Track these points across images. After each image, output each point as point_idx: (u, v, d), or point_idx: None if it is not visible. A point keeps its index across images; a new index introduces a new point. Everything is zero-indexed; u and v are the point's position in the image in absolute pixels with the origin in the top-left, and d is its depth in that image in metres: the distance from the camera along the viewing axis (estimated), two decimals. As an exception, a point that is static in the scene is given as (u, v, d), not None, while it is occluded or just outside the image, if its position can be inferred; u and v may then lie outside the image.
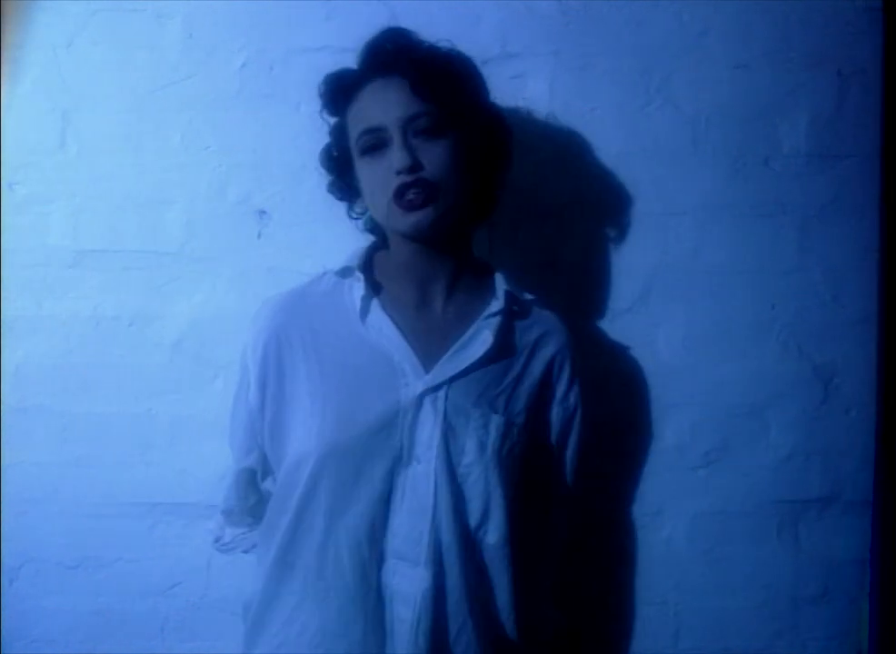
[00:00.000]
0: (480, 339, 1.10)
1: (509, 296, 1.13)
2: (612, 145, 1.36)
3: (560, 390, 1.17)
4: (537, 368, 1.14)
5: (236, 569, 1.34)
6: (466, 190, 1.09)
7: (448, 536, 1.06)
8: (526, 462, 1.12)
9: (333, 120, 1.16)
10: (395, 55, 1.08)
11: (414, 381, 1.07)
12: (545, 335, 1.16)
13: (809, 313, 1.38)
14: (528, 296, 1.17)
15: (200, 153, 1.36)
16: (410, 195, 1.03)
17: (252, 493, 1.23)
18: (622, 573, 1.40)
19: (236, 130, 1.36)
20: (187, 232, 1.37)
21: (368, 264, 1.15)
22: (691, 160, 1.36)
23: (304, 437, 1.09)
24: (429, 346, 1.09)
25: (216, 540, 1.29)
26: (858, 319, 1.38)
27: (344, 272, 1.14)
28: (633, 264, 1.37)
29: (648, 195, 1.36)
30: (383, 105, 1.05)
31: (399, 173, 1.02)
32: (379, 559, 1.07)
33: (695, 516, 1.39)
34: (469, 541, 1.08)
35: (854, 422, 1.39)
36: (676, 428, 1.38)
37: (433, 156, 1.04)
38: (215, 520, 1.28)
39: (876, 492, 1.38)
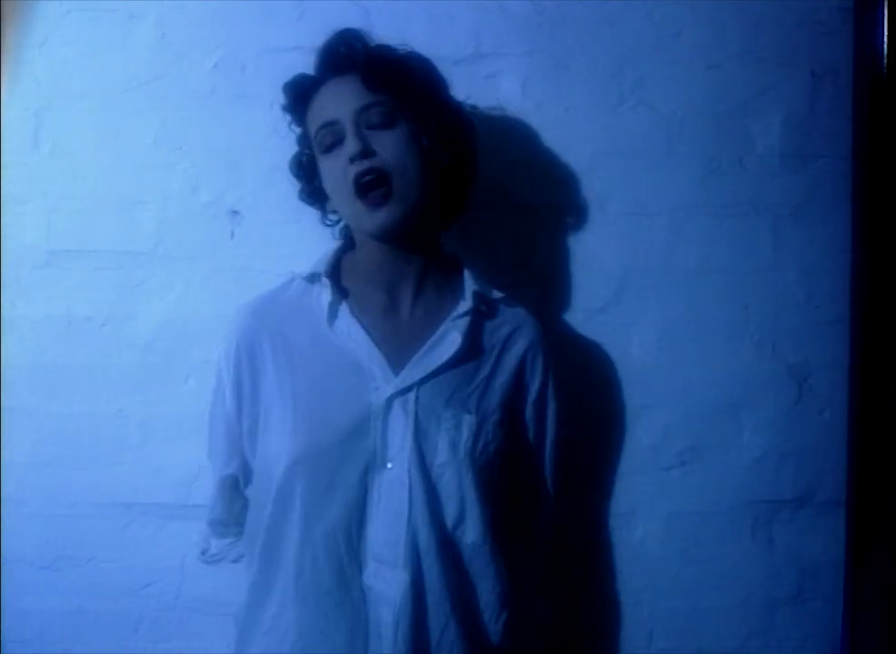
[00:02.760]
0: (448, 340, 1.10)
1: (477, 296, 1.14)
2: (585, 145, 1.36)
3: (534, 385, 1.18)
4: (509, 365, 1.15)
5: (211, 569, 1.33)
6: (427, 185, 1.10)
7: (425, 537, 1.06)
8: (504, 461, 1.13)
9: (299, 130, 1.17)
10: (348, 56, 1.10)
11: (384, 385, 1.07)
12: (516, 331, 1.17)
13: (782, 313, 1.38)
14: (497, 294, 1.18)
15: (173, 153, 1.36)
16: (370, 192, 1.04)
17: (237, 500, 1.23)
18: (596, 574, 1.40)
19: (209, 130, 1.36)
20: (160, 232, 1.37)
21: (336, 269, 1.16)
22: (664, 160, 1.36)
23: (277, 443, 1.09)
24: (398, 349, 1.10)
25: (203, 552, 1.29)
26: (832, 319, 1.38)
27: (312, 278, 1.15)
28: (607, 264, 1.37)
29: (622, 195, 1.36)
30: (336, 100, 1.08)
31: (352, 160, 1.04)
32: (359, 562, 1.07)
33: (669, 516, 1.39)
34: (447, 542, 1.08)
35: (828, 423, 1.39)
36: (649, 428, 1.38)
37: (385, 144, 1.06)
38: (200, 532, 1.28)
39: (850, 493, 1.38)
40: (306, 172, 1.17)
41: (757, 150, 1.36)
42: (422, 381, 1.08)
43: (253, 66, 1.35)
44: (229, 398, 1.16)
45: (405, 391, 1.08)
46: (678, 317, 1.38)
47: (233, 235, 1.37)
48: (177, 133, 1.36)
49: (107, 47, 1.36)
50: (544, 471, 1.22)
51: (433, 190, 1.12)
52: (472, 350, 1.12)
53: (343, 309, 1.11)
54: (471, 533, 1.09)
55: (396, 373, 1.08)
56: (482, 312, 1.15)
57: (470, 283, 1.15)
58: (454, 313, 1.12)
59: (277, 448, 1.09)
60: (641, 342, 1.38)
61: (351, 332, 1.10)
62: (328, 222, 1.23)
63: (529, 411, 1.19)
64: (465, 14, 1.35)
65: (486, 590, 1.11)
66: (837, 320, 1.38)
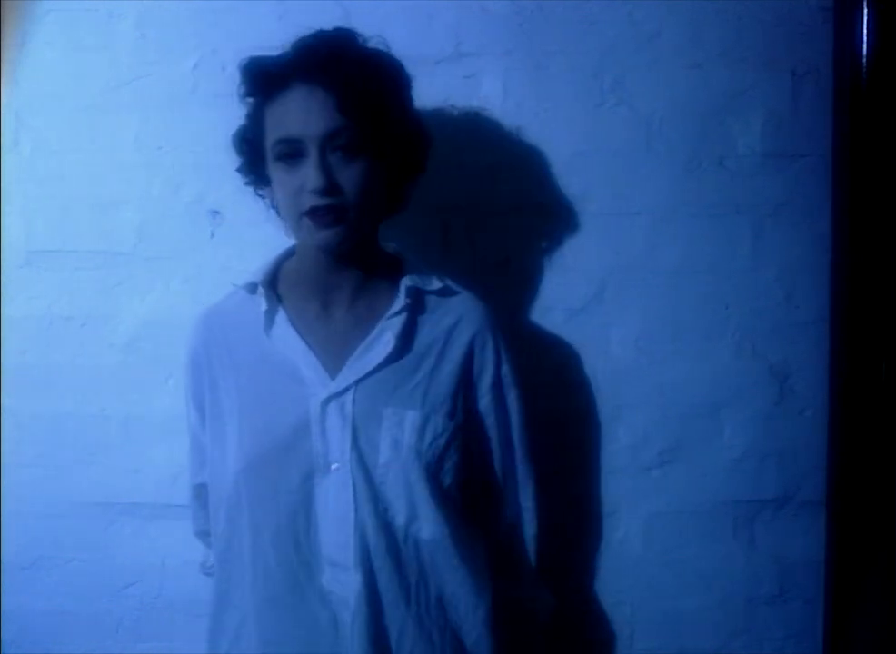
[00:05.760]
0: (382, 340, 1.10)
1: (412, 292, 1.12)
2: (565, 145, 1.35)
3: (487, 373, 1.15)
4: (456, 354, 1.13)
5: (191, 569, 1.33)
6: (378, 206, 1.09)
7: (374, 537, 1.06)
8: (465, 451, 1.12)
9: (249, 101, 1.11)
10: (325, 64, 1.03)
11: (320, 389, 1.07)
12: (461, 320, 1.14)
13: (763, 313, 1.38)
14: (437, 284, 1.15)
15: (153, 153, 1.36)
16: (321, 215, 1.02)
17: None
18: (577, 574, 1.40)
19: (189, 130, 1.36)
20: (140, 232, 1.37)
21: (273, 277, 1.15)
22: (644, 160, 1.36)
23: (228, 453, 1.10)
24: (335, 353, 1.09)
25: (202, 565, 1.29)
26: (812, 319, 1.38)
27: (249, 288, 1.14)
28: (587, 264, 1.37)
29: (602, 195, 1.36)
30: (303, 117, 1.01)
31: (309, 192, 1.01)
32: (312, 567, 1.07)
33: (650, 516, 1.39)
34: (399, 540, 1.07)
35: (809, 422, 1.39)
36: (630, 428, 1.38)
37: (350, 177, 1.02)
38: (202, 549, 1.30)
39: (831, 492, 1.38)
40: (250, 153, 1.11)
41: (737, 150, 1.36)
42: (357, 383, 1.08)
43: (233, 66, 1.29)
44: (192, 409, 1.19)
45: (340, 394, 1.07)
46: (658, 317, 1.38)
47: (213, 235, 1.37)
48: (158, 134, 1.36)
49: (88, 47, 1.35)
50: (514, 460, 1.20)
51: (383, 210, 1.11)
52: (410, 346, 1.11)
53: (280, 316, 1.11)
54: (427, 529, 1.08)
55: (333, 377, 1.08)
56: (419, 307, 1.13)
57: (405, 280, 1.13)
58: (389, 312, 1.11)
59: (225, 459, 1.11)
60: (621, 342, 1.38)
61: (287, 339, 1.10)
62: (261, 194, 1.17)
63: (486, 399, 1.16)
64: (445, 14, 1.35)
65: (456, 584, 1.10)
66: (818, 320, 1.37)
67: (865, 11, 1.30)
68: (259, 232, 1.35)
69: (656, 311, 1.37)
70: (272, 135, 1.05)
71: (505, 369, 1.17)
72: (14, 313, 1.38)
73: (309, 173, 1.01)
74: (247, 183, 1.17)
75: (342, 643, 1.07)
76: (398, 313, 1.11)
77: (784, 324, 1.38)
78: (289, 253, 1.18)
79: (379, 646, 1.06)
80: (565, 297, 1.37)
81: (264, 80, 1.06)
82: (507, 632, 1.16)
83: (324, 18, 1.26)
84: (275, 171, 1.06)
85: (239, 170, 1.16)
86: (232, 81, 1.32)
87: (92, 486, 1.39)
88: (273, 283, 1.14)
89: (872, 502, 1.34)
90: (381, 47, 1.11)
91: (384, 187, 1.09)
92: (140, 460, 1.38)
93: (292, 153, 1.02)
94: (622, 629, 1.41)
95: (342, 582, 1.06)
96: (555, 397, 1.36)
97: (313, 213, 1.02)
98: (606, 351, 1.37)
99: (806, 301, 1.37)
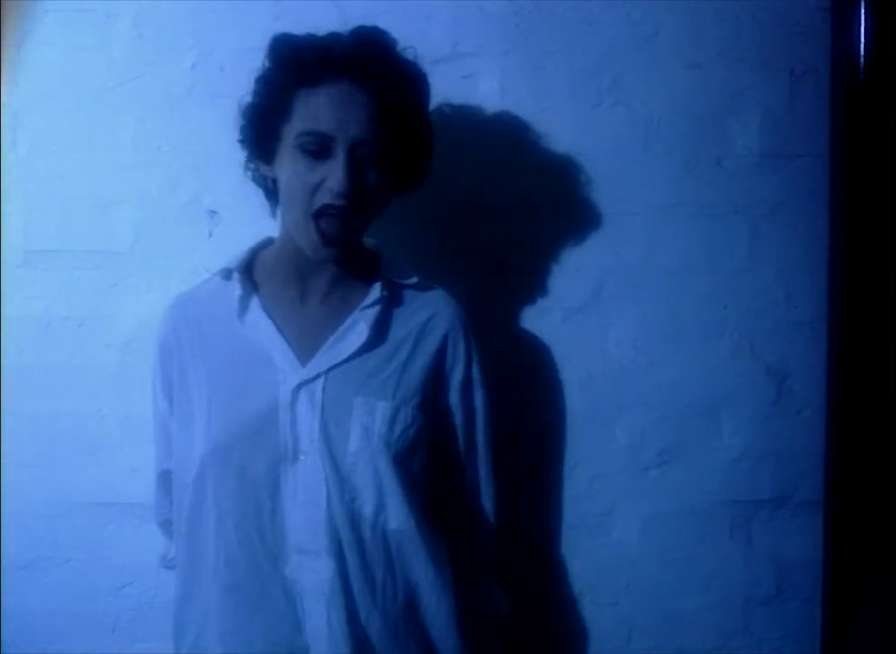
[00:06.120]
0: (356, 331, 1.10)
1: (387, 284, 1.13)
2: (563, 145, 1.36)
3: (457, 370, 1.16)
4: (428, 348, 1.14)
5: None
6: (376, 213, 1.11)
7: (344, 525, 1.06)
8: (431, 445, 1.13)
9: (269, 68, 1.09)
10: (369, 66, 1.04)
11: (290, 376, 1.08)
12: (435, 316, 1.16)
13: (761, 313, 1.38)
14: (413, 279, 1.16)
15: (151, 152, 1.36)
16: (329, 227, 1.03)
17: None
18: (575, 574, 1.40)
19: (187, 130, 1.36)
20: (138, 232, 1.37)
21: (249, 264, 1.16)
22: (642, 160, 1.36)
23: (196, 437, 1.10)
24: (308, 341, 1.10)
25: (162, 558, 1.29)
26: (810, 319, 1.38)
27: (224, 274, 1.14)
28: (585, 264, 1.37)
29: (599, 195, 1.36)
30: (341, 116, 1.02)
31: (331, 190, 1.02)
32: (276, 556, 1.07)
33: (647, 517, 1.39)
34: (367, 530, 1.07)
35: (806, 423, 1.39)
36: (628, 428, 1.38)
37: (370, 179, 1.04)
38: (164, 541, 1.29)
39: (828, 492, 1.38)
40: (263, 126, 1.08)
41: (735, 150, 1.36)
42: (328, 371, 1.08)
43: (230, 66, 1.35)
44: (160, 395, 1.18)
45: (311, 381, 1.08)
46: (656, 317, 1.38)
47: (210, 235, 1.37)
48: (155, 133, 1.36)
49: (85, 47, 1.35)
50: (476, 459, 1.20)
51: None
52: (383, 337, 1.12)
53: (255, 303, 1.12)
54: (393, 520, 1.08)
55: (304, 365, 1.09)
56: (394, 300, 1.15)
57: (382, 273, 1.14)
58: (363, 303, 1.12)
59: (192, 444, 1.10)
60: (619, 342, 1.38)
61: (260, 325, 1.10)
62: (252, 166, 1.15)
63: (455, 397, 1.17)
64: (443, 14, 1.35)
65: (422, 576, 1.10)
66: (815, 319, 1.38)
67: (863, 11, 1.31)
68: (256, 232, 1.34)
69: (654, 310, 1.38)
70: (299, 124, 1.04)
71: (475, 369, 1.18)
72: (12, 313, 1.37)
73: (334, 173, 1.02)
74: (247, 157, 1.16)
75: (307, 633, 1.07)
76: (373, 305, 1.12)
77: (782, 324, 1.38)
78: (266, 243, 1.19)
79: (355, 632, 1.06)
80: (563, 297, 1.37)
81: (302, 65, 1.05)
82: (473, 629, 1.16)
83: (321, 19, 1.26)
84: (294, 161, 1.04)
85: (241, 141, 1.14)
86: (229, 81, 1.35)
87: (90, 486, 1.39)
88: (249, 270, 1.15)
89: (870, 502, 1.34)
90: (411, 56, 1.12)
91: (386, 195, 1.11)
92: (138, 460, 1.37)
93: (318, 148, 1.03)
94: (619, 630, 1.41)
95: (312, 570, 1.06)
96: (553, 397, 1.36)
97: (323, 211, 1.03)
98: (604, 351, 1.38)
99: (804, 300, 1.38)
